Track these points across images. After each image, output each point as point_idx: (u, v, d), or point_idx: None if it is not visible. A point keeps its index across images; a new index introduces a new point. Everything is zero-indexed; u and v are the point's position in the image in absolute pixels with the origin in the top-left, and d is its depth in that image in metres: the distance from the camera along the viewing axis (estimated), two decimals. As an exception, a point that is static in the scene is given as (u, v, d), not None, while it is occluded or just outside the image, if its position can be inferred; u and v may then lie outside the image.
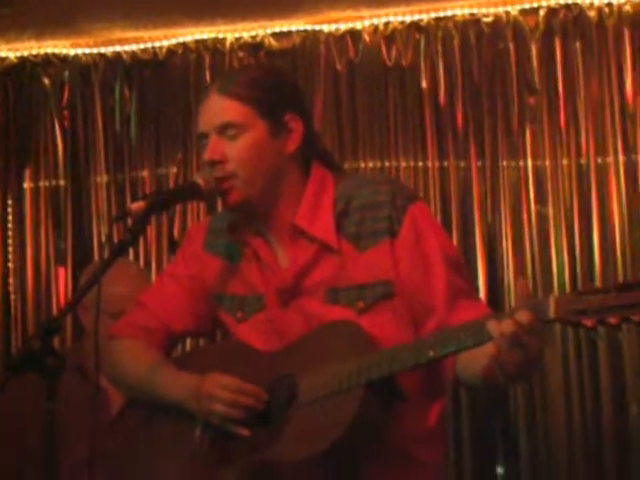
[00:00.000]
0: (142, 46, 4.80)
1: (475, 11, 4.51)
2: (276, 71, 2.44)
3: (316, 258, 2.24)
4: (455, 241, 4.39)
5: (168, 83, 4.82)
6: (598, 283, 4.26)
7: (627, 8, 4.38)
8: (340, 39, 4.63)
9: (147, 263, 4.68)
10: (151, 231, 4.68)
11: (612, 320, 1.79)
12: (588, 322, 1.81)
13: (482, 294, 4.35)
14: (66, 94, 4.85)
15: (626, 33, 4.39)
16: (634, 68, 4.37)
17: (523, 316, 1.84)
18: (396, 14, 4.57)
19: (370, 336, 2.13)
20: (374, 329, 2.14)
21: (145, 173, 4.82)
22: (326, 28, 4.63)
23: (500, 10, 4.48)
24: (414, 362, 2.02)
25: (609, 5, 4.40)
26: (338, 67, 4.63)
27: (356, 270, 2.21)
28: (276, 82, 2.30)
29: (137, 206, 2.15)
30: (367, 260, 2.21)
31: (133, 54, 4.82)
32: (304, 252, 2.25)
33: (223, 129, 2.21)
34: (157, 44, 4.79)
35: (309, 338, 2.20)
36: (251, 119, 2.22)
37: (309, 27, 4.65)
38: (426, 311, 2.19)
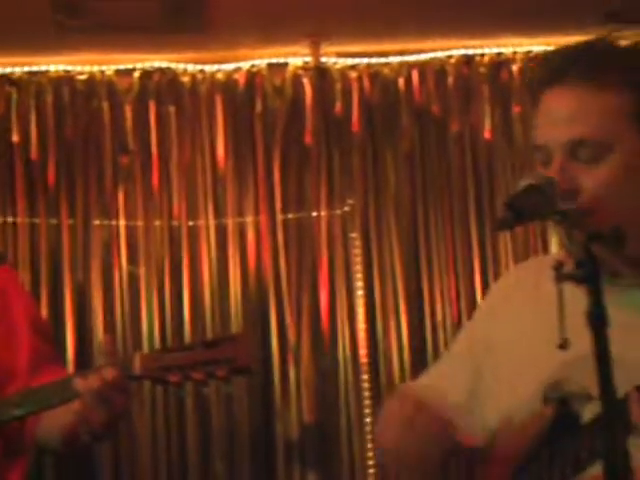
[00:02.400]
0: None
1: (70, 68, 4.45)
2: None
3: None
4: (44, 299, 4.30)
5: None
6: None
7: (219, 76, 4.52)
8: None
9: None
10: None
11: (197, 376, 1.82)
12: (173, 378, 1.83)
13: (70, 353, 4.28)
14: None
15: (218, 99, 4.51)
16: (225, 133, 4.49)
17: (108, 372, 1.84)
18: (-13, 67, 4.43)
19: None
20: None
21: None
22: None
23: (95, 69, 4.46)
24: None
25: (202, 72, 4.51)
26: None
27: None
28: None
29: None
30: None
31: None
32: None
33: None
34: None
35: None
36: None
37: None
38: (8, 376, 2.14)
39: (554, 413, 1.61)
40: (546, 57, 1.71)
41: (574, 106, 1.62)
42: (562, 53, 1.68)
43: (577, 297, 1.31)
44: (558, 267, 1.37)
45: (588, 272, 1.30)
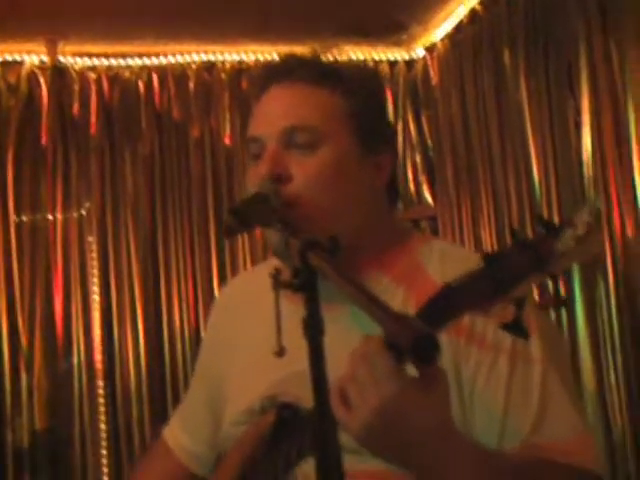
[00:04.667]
0: None
1: None
2: None
3: None
4: None
5: None
6: None
7: None
8: None
9: None
10: None
11: None
12: None
13: None
14: None
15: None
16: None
17: None
18: None
19: None
20: None
21: None
22: None
23: None
24: None
25: None
26: None
27: None
28: None
29: None
30: None
31: None
32: None
33: None
34: None
35: None
36: None
37: None
38: None
39: (276, 418, 1.63)
40: (270, 62, 1.76)
41: (292, 99, 1.67)
42: (287, 58, 1.73)
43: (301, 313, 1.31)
44: (276, 275, 1.39)
45: (304, 280, 1.32)
